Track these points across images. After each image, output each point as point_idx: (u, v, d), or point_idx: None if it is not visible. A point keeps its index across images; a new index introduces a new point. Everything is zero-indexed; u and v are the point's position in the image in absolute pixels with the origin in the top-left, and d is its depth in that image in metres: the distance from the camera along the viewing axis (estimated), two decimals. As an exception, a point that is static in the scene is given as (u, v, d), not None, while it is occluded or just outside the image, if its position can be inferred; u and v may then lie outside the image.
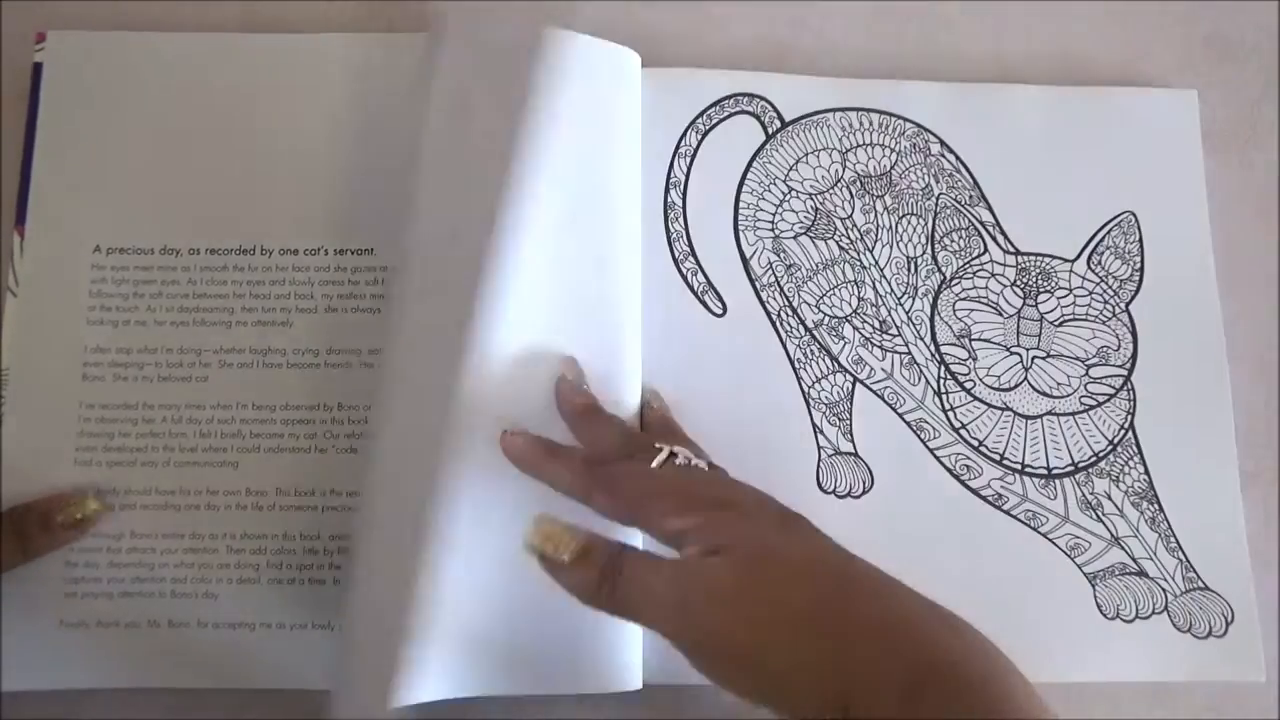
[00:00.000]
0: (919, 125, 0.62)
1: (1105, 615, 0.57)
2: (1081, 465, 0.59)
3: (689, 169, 0.61)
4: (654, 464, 0.47)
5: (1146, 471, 0.59)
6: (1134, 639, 0.57)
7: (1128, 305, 0.61)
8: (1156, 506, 0.58)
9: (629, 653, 0.54)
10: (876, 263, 0.60)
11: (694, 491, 0.47)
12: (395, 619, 0.51)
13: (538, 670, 0.53)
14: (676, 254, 0.60)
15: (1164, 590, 0.57)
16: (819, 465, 0.58)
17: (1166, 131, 0.63)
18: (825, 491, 0.57)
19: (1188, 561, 0.58)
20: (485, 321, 0.55)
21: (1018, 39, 0.65)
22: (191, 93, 0.59)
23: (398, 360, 0.55)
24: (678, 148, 0.61)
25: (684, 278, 0.59)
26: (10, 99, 0.60)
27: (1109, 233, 0.61)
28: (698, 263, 0.60)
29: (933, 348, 0.59)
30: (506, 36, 0.59)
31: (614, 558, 0.45)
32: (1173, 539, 0.58)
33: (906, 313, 0.60)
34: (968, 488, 0.58)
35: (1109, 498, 0.58)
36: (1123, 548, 0.58)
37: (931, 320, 0.60)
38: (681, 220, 0.60)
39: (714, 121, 0.61)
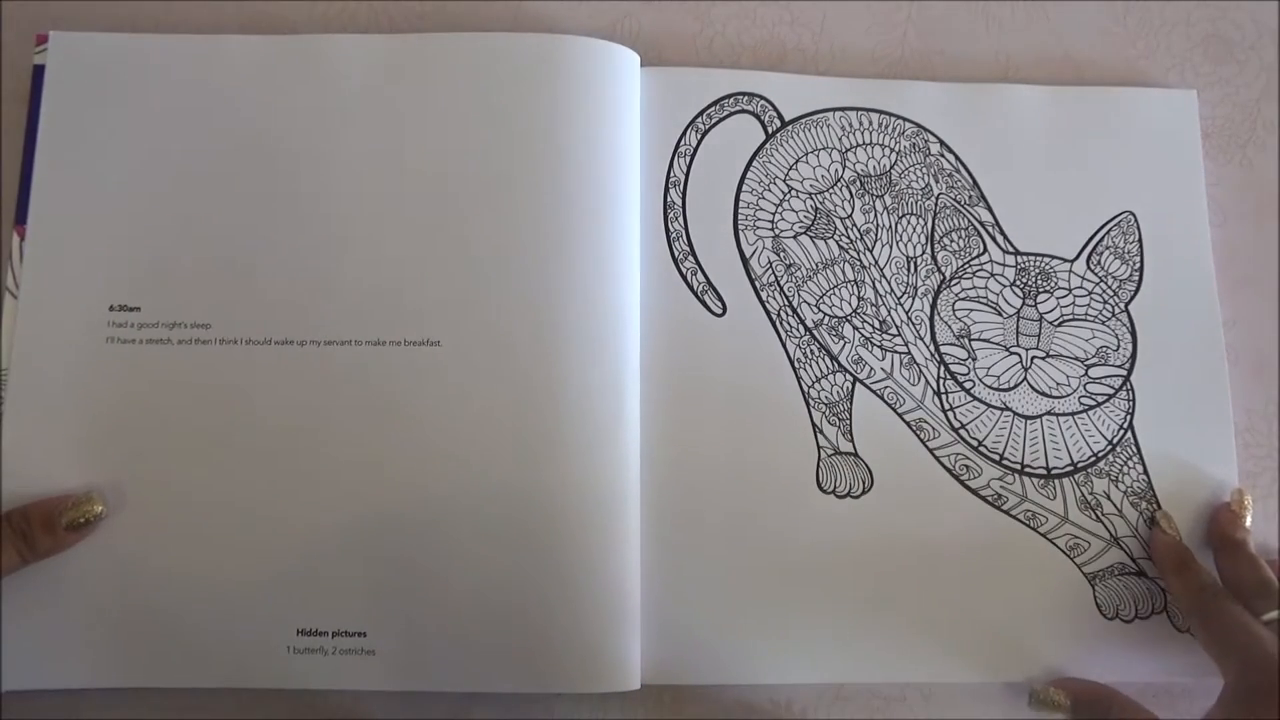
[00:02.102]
0: (919, 125, 0.62)
1: (1105, 615, 0.57)
2: (1081, 465, 0.59)
3: (689, 168, 0.61)
4: (1265, 617, 0.51)
5: (1146, 471, 0.59)
6: (1134, 639, 0.57)
7: (1127, 305, 0.60)
8: (1155, 507, 0.58)
9: (628, 653, 0.54)
10: (876, 262, 0.60)
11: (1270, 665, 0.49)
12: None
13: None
14: (676, 253, 0.60)
15: (1163, 591, 0.57)
16: (819, 465, 0.58)
17: (1166, 131, 0.63)
18: (825, 491, 0.57)
19: None
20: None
21: (1018, 39, 0.65)
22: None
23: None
24: (677, 147, 0.61)
25: (683, 277, 0.59)
26: (11, 100, 0.60)
27: (1108, 233, 0.61)
28: (697, 262, 0.60)
29: (932, 348, 0.59)
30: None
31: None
32: None
33: (906, 312, 0.60)
34: (967, 488, 0.58)
35: (1108, 498, 0.58)
36: (1122, 548, 0.58)
37: (931, 320, 0.60)
38: (681, 220, 0.60)
39: (714, 121, 0.61)
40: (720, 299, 0.59)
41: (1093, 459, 0.59)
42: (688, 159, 0.61)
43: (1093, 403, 0.59)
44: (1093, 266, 0.61)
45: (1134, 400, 0.59)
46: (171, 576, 0.54)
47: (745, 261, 0.60)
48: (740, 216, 0.60)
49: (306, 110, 0.58)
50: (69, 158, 0.57)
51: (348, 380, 0.56)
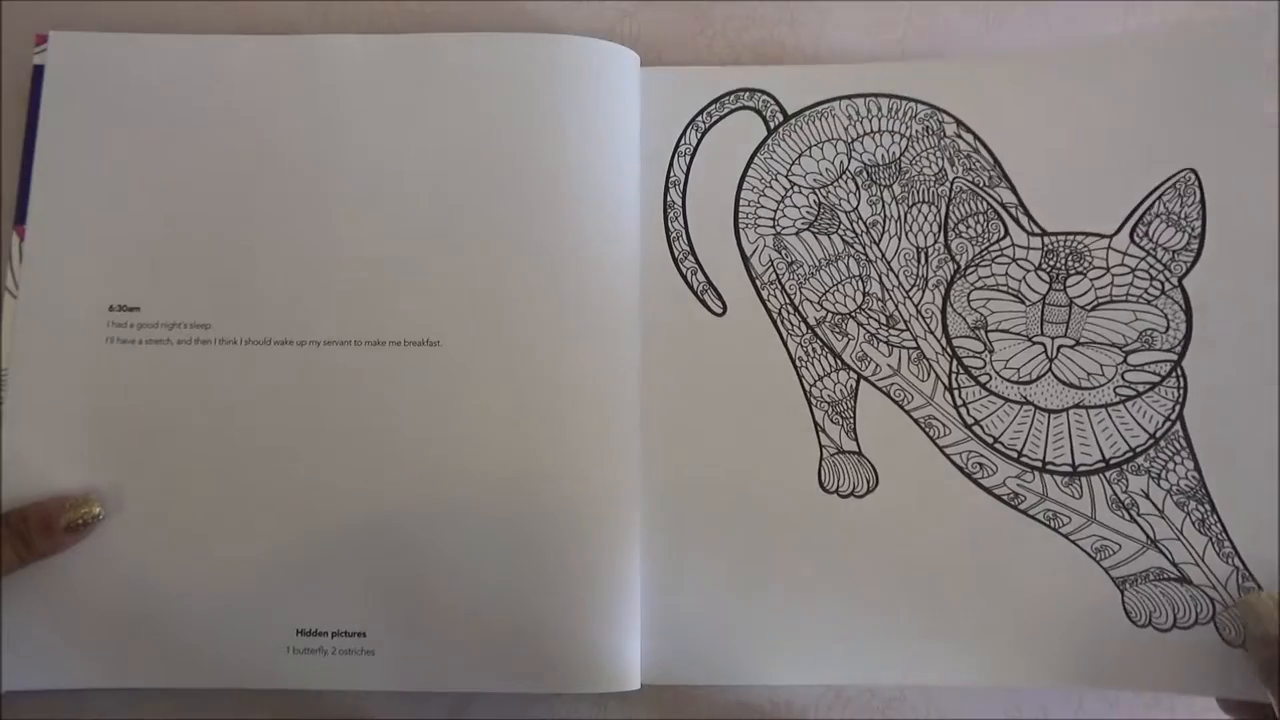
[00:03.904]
0: (932, 106, 0.60)
1: (1135, 622, 0.54)
2: (1114, 461, 0.56)
3: (688, 167, 0.60)
4: None
5: (1197, 468, 0.55)
6: (1171, 650, 0.54)
7: (1180, 280, 0.56)
8: (1208, 507, 0.55)
9: (628, 653, 0.54)
10: (883, 255, 0.59)
11: None
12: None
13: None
14: (676, 253, 0.59)
15: (1211, 599, 0.54)
16: (820, 464, 0.57)
17: (1227, 68, 0.58)
18: (828, 491, 0.56)
19: (1245, 569, 0.54)
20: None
21: (1018, 39, 0.64)
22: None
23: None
24: (677, 146, 0.60)
25: (683, 277, 0.59)
26: (11, 100, 0.60)
27: (1160, 197, 0.57)
28: (697, 262, 0.59)
29: (944, 341, 0.58)
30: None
31: None
32: (1227, 543, 0.54)
33: (916, 306, 0.58)
34: (980, 486, 0.56)
35: (1146, 496, 0.55)
36: (1161, 551, 0.55)
37: (943, 312, 0.58)
38: (681, 219, 0.59)
39: (714, 119, 0.60)
40: (720, 298, 0.59)
41: (1130, 454, 0.56)
42: (688, 158, 0.60)
43: (1132, 392, 0.56)
44: (1137, 239, 0.57)
45: (1185, 388, 0.56)
46: (171, 577, 0.54)
47: (746, 260, 0.59)
48: (741, 215, 0.60)
49: (306, 110, 0.59)
50: (69, 158, 0.58)
51: (347, 380, 0.56)
